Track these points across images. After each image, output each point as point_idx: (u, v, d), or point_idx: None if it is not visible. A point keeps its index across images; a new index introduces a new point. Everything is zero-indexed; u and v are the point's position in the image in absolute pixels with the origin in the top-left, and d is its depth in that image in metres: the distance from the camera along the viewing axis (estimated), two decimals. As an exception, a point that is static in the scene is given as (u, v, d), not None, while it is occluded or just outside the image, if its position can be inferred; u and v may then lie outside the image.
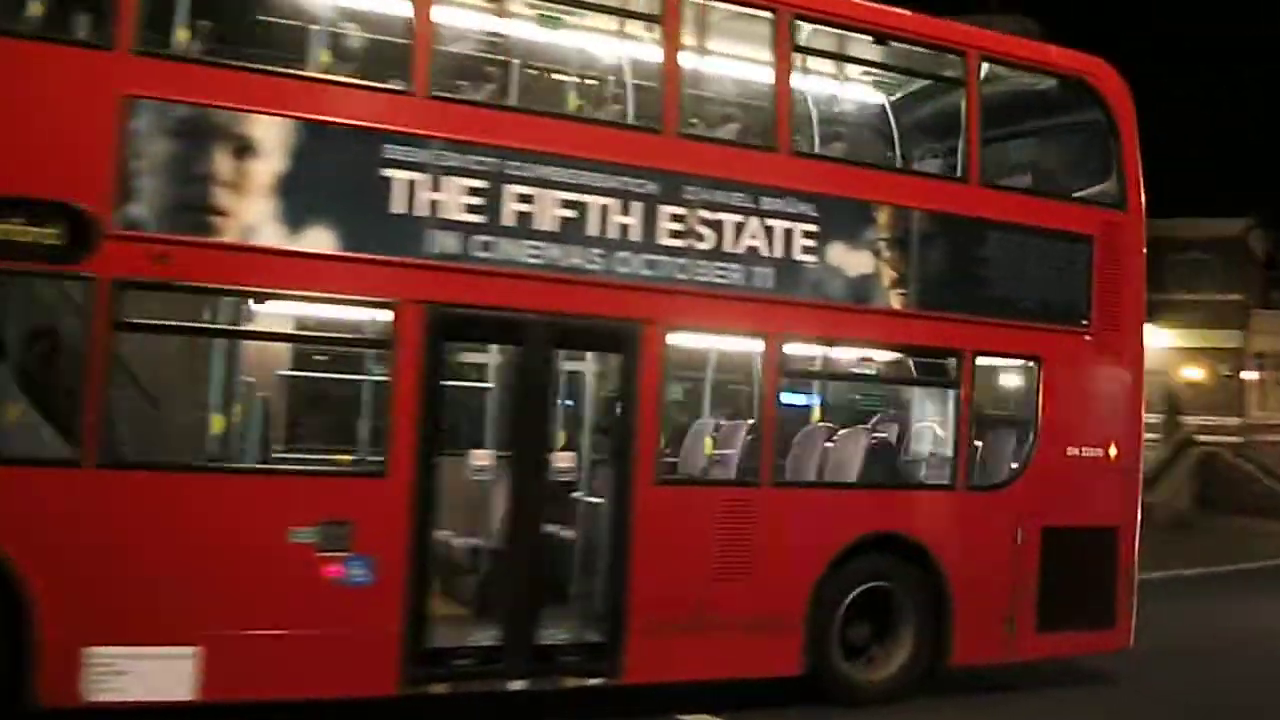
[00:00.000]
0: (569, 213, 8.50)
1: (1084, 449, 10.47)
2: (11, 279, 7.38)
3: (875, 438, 10.33)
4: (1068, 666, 11.03)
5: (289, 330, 8.76)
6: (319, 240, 7.84)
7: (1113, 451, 10.60)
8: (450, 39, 8.84)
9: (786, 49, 9.35)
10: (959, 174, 10.15)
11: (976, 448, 10.30)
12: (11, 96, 7.15)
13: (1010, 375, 11.30)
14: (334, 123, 7.96)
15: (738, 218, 9.04)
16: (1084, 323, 10.52)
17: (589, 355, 9.39)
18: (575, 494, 9.17)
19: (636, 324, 8.70)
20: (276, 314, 8.41)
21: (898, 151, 11.28)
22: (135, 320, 7.41)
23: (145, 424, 8.13)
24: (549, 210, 8.43)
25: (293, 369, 8.67)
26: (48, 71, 7.29)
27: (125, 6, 7.37)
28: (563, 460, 8.82)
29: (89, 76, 7.34)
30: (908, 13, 10.00)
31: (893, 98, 11.40)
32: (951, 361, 10.14)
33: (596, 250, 8.59)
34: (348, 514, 7.90)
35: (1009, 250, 10.22)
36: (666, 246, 8.81)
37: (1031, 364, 10.40)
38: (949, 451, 10.13)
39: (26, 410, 7.47)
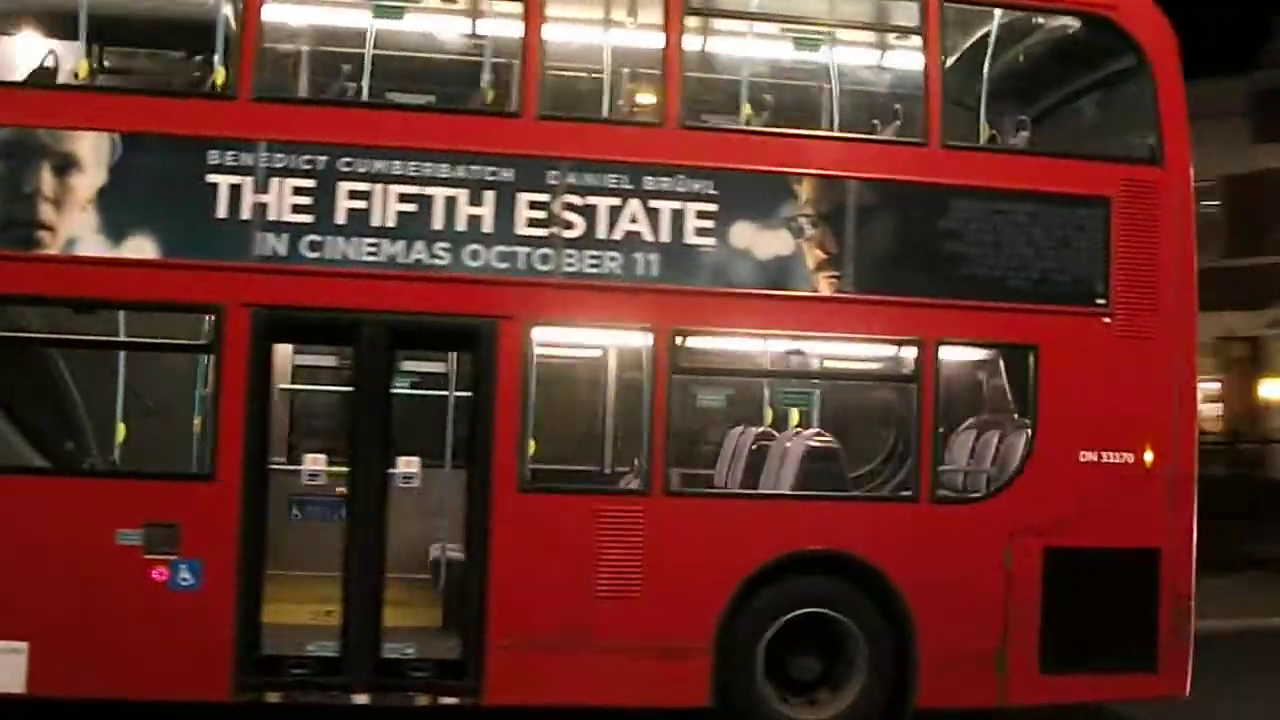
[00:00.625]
0: (409, 207, 8.14)
1: (1105, 453, 8.73)
2: None
3: (814, 442, 9.09)
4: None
5: (122, 338, 8.85)
6: (142, 248, 7.96)
7: (1148, 456, 8.77)
8: (277, 39, 8.68)
9: (678, 11, 8.52)
10: (916, 135, 8.81)
11: (947, 453, 8.88)
12: None
13: (1000, 366, 9.62)
14: (154, 134, 8.07)
15: (614, 201, 8.31)
16: (1100, 302, 8.79)
17: (450, 356, 8.93)
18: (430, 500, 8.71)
19: (492, 320, 8.19)
20: (106, 321, 8.57)
21: (835, 116, 9.80)
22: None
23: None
24: (387, 206, 8.12)
25: (125, 374, 8.80)
26: None
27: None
28: (406, 465, 8.40)
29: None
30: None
31: (833, 56, 9.83)
32: (909, 352, 8.78)
33: (442, 244, 8.16)
34: (174, 517, 7.92)
35: (986, 220, 8.70)
36: (526, 237, 8.24)
37: (1025, 352, 8.84)
38: (910, 457, 8.76)
39: None
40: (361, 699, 8.13)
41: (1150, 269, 8.85)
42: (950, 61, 9.22)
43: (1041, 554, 8.57)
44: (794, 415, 9.81)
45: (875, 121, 9.72)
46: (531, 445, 8.35)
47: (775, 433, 9.54)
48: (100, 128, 7.96)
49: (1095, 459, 8.71)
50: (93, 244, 7.92)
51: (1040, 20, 9.44)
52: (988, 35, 9.10)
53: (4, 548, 7.78)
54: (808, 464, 8.88)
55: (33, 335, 8.55)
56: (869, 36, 9.73)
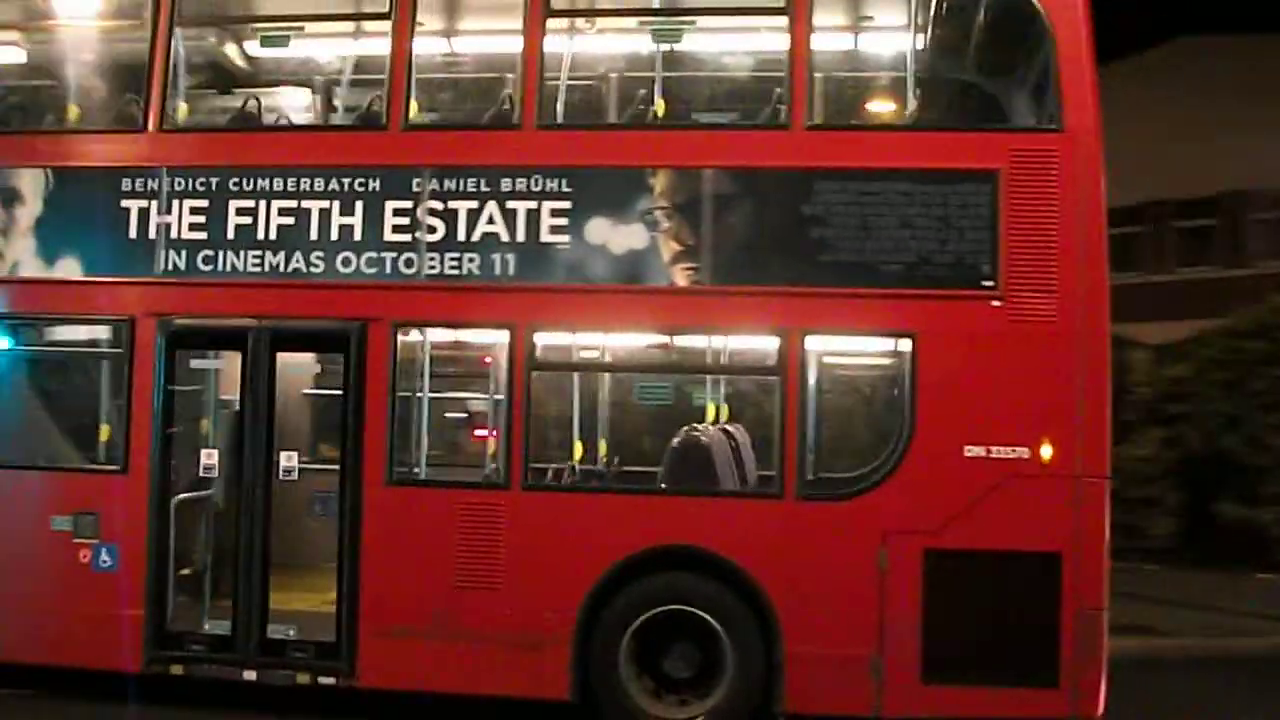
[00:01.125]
0: (287, 220, 8.77)
1: (994, 449, 8.00)
2: None
3: (677, 438, 8.84)
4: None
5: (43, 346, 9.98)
6: (68, 268, 9.04)
7: (1045, 452, 7.97)
8: (185, 70, 9.44)
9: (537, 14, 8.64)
10: (778, 119, 8.46)
11: (813, 448, 8.41)
12: None
13: (877, 356, 8.90)
14: (76, 167, 9.14)
15: (471, 204, 8.56)
16: (987, 284, 8.07)
17: (319, 356, 9.43)
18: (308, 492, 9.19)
19: (359, 323, 8.66)
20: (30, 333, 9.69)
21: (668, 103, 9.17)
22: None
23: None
24: (270, 220, 8.80)
25: (56, 381, 9.85)
26: None
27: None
28: (286, 460, 8.93)
29: None
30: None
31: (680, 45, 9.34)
32: (772, 343, 8.42)
33: (317, 254, 8.75)
34: (95, 506, 8.96)
35: (853, 203, 8.24)
36: (391, 243, 8.66)
37: (902, 340, 8.29)
38: (774, 452, 8.37)
39: None
40: (250, 675, 8.80)
41: (1048, 246, 8.05)
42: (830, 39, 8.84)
43: (921, 555, 8.01)
44: (711, 410, 9.55)
45: (744, 107, 9.35)
46: (402, 440, 8.77)
47: (700, 429, 9.33)
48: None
49: (984, 455, 8.01)
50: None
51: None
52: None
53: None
54: (672, 460, 8.76)
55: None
56: (737, 20, 9.34)
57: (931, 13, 9.13)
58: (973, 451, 8.02)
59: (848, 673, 8.09)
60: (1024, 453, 7.97)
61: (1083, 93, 8.15)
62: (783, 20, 8.41)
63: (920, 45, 9.20)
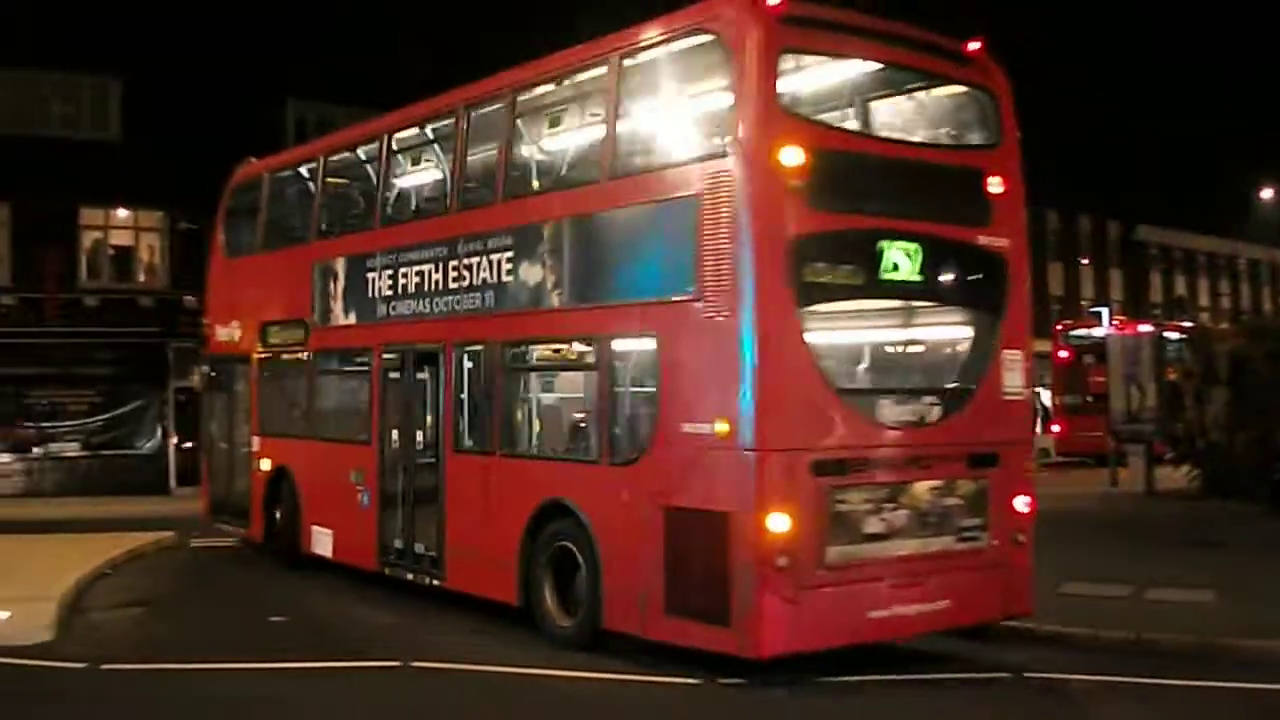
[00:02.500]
0: (416, 278, 13.86)
1: (699, 425, 10.10)
2: None
3: (573, 417, 12.27)
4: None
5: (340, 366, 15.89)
6: (348, 318, 14.96)
7: (719, 428, 9.86)
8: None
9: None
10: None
11: (617, 425, 11.24)
12: None
13: (649, 354, 10.95)
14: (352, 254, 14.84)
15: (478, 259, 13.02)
16: (690, 290, 10.22)
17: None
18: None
19: (439, 345, 13.38)
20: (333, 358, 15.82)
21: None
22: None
23: None
24: (409, 279, 13.83)
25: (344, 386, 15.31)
26: None
27: None
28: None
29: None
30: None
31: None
32: (590, 346, 11.69)
33: (424, 300, 13.79)
34: (362, 467, 14.52)
35: (604, 239, 11.58)
36: (449, 289, 13.32)
37: (651, 340, 10.78)
38: (596, 428, 11.53)
39: None
40: (409, 576, 13.53)
41: (729, 254, 9.90)
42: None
43: (663, 512, 10.47)
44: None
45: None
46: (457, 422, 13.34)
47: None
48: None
49: (693, 431, 10.20)
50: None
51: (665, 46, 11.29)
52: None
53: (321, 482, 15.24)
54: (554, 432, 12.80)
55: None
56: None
57: (631, 82, 11.65)
58: (687, 429, 10.26)
59: (630, 601, 10.79)
60: (711, 429, 10.01)
61: (755, 120, 9.99)
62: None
63: (629, 110, 11.68)
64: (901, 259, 10.78)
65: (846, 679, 10.02)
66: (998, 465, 11.23)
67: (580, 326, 11.73)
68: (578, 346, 12.31)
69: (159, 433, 32.31)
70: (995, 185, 11.57)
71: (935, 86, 12.23)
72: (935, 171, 11.47)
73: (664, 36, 11.12)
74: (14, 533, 18.80)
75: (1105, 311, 44.04)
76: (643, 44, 11.33)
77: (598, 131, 11.87)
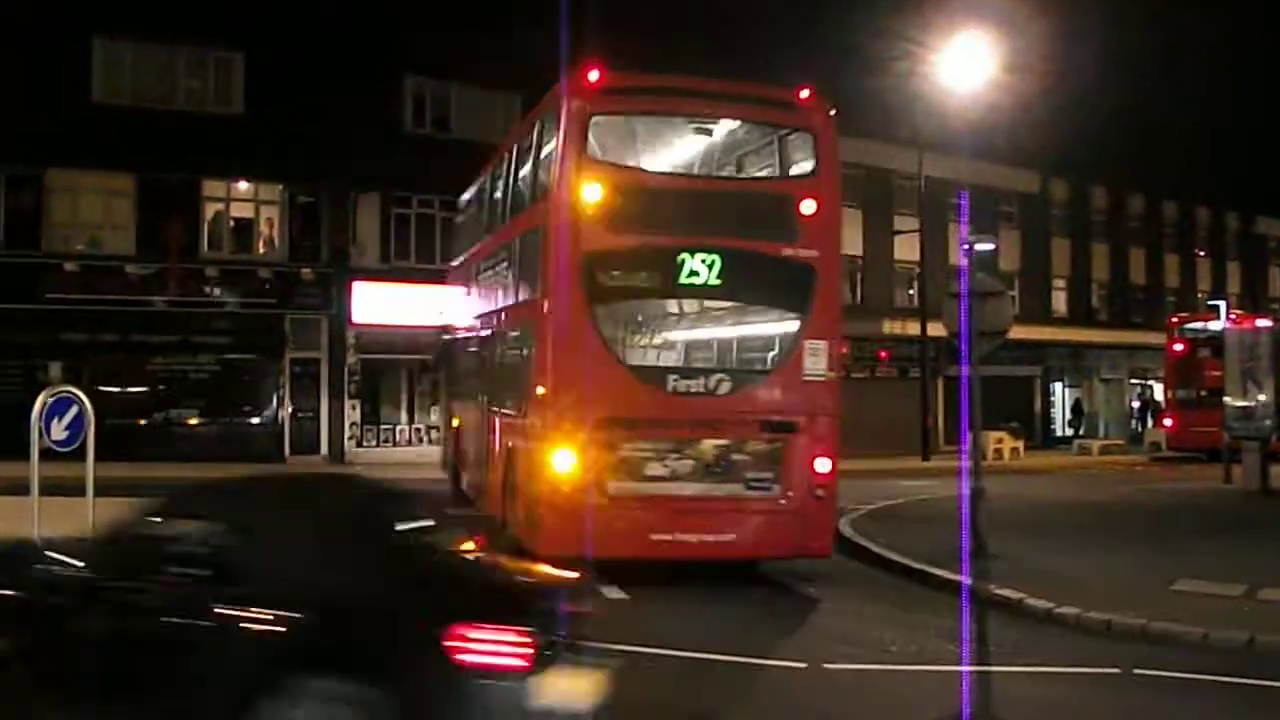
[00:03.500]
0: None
1: (537, 389, 14.33)
2: None
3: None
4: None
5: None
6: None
7: (539, 391, 14.34)
8: None
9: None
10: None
11: (520, 392, 15.81)
12: None
13: None
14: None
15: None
16: (538, 294, 14.96)
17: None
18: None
19: None
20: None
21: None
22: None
23: None
24: None
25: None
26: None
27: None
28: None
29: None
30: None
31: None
32: (516, 333, 16.78)
33: None
34: None
35: (520, 258, 16.30)
36: None
37: (530, 328, 15.66)
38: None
39: None
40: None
41: (551, 267, 14.10)
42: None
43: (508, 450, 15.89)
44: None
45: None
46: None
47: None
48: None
49: (538, 393, 14.27)
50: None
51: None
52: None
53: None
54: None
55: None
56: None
57: (519, 151, 16.94)
58: (538, 391, 14.18)
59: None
60: (539, 391, 14.11)
61: (562, 168, 13.91)
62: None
63: (518, 170, 17.03)
64: (700, 268, 13.90)
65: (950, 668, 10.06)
66: (795, 432, 14.00)
67: (514, 318, 16.47)
68: (512, 333, 16.71)
69: (275, 402, 33.05)
70: (807, 207, 14.19)
71: (754, 129, 15.58)
72: (736, 197, 15.22)
73: (533, 116, 16.68)
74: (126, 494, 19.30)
75: (1222, 305, 43.14)
76: (525, 124, 17.02)
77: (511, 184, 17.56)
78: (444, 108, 36.47)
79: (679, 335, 17.02)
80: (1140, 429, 53.49)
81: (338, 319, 33.53)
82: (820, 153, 14.50)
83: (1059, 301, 53.40)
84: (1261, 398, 25.04)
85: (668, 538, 13.61)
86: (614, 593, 12.94)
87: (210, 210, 33.08)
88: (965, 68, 33.97)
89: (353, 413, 33.96)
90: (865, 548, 16.06)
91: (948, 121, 36.45)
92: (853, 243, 41.26)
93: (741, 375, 14.82)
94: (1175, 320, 46.28)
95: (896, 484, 28.20)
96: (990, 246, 21.43)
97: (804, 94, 14.52)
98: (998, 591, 12.56)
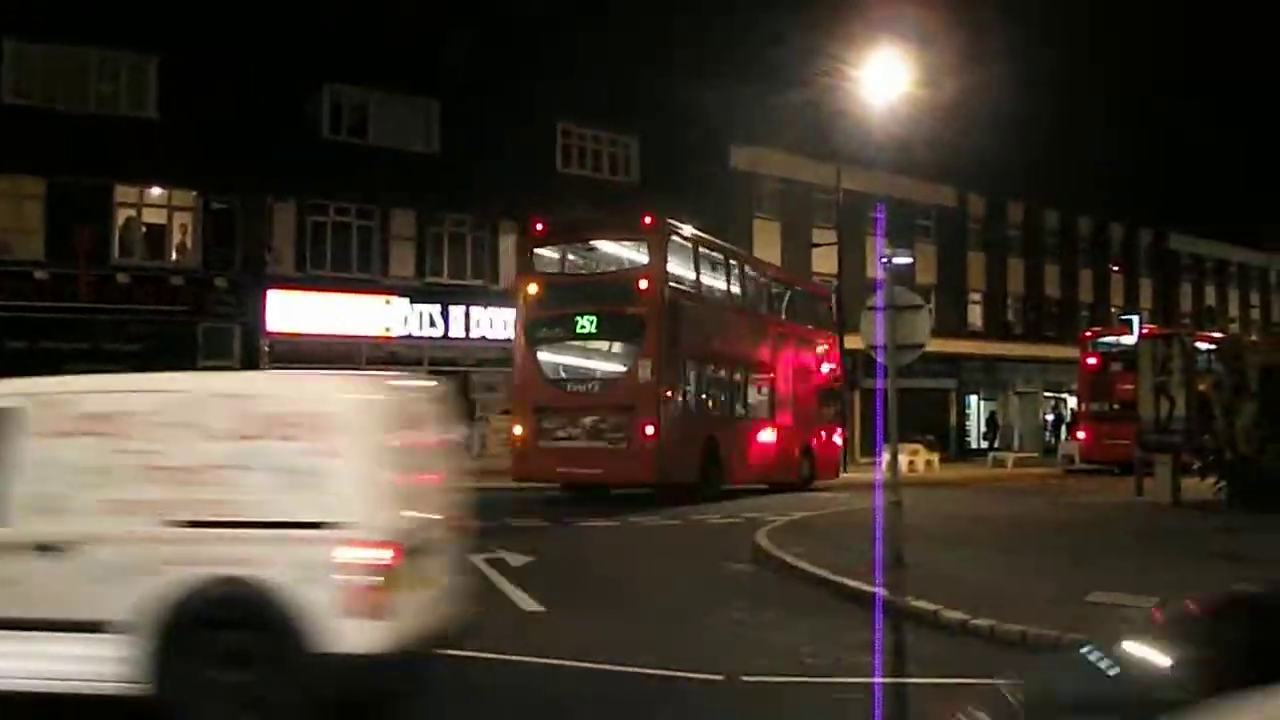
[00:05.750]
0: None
1: None
2: None
3: None
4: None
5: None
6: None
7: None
8: None
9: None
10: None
11: None
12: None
13: None
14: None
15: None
16: None
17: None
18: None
19: None
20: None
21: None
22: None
23: None
24: None
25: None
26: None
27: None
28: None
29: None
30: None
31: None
32: None
33: None
34: None
35: None
36: None
37: None
38: None
39: None
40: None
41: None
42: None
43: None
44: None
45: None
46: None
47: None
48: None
49: None
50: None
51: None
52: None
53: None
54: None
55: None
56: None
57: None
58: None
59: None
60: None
61: (517, 275, 25.89)
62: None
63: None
64: (585, 323, 25.82)
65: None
66: (634, 410, 24.71)
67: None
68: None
69: (187, 412, 32.48)
70: (643, 284, 25.35)
71: (620, 241, 27.78)
72: (605, 282, 26.96)
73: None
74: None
75: (1135, 319, 43.85)
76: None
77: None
78: (362, 115, 36.24)
79: (573, 359, 27.15)
80: (1054, 442, 54.23)
81: (252, 328, 33.21)
82: (652, 253, 25.91)
83: (975, 315, 54.13)
84: (1174, 412, 25.39)
85: (566, 470, 25.64)
86: (529, 604, 12.90)
87: (122, 216, 32.69)
88: (884, 83, 34.27)
89: (268, 423, 33.48)
90: (782, 559, 16.04)
91: (867, 136, 36.75)
92: (771, 256, 41.54)
93: (606, 379, 26.50)
94: (1089, 334, 46.93)
95: (814, 495, 28.33)
96: (908, 260, 21.69)
97: (647, 220, 26.05)
98: (914, 603, 12.56)
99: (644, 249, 26.03)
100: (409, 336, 36.16)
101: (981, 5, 41.18)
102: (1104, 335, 46.11)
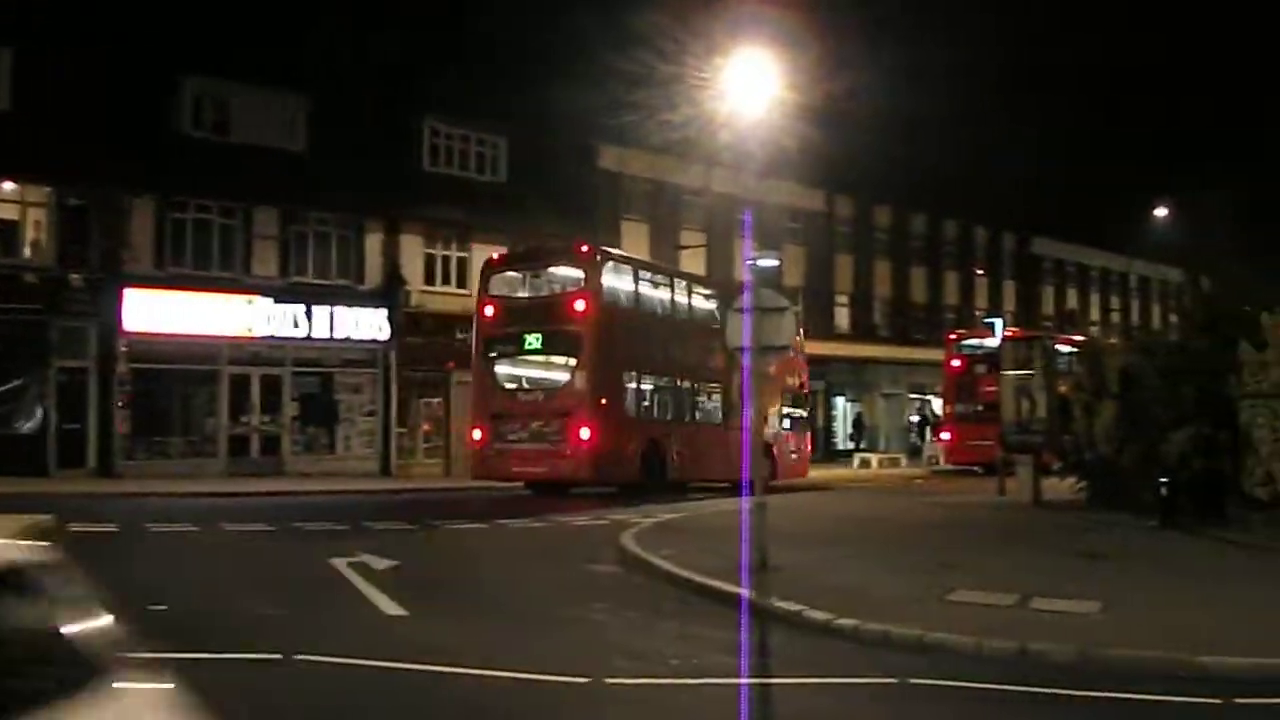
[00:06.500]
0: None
1: None
2: None
3: None
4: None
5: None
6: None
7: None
8: None
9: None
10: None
11: None
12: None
13: None
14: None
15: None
16: None
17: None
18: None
19: None
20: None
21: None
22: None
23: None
24: None
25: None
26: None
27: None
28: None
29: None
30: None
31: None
32: None
33: None
34: None
35: None
36: None
37: None
38: None
39: None
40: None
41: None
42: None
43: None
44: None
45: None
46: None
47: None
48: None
49: None
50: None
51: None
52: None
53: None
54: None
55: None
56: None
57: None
58: None
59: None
60: None
61: (478, 298, 27.74)
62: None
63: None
64: (531, 339, 29.13)
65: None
66: (571, 415, 28.03)
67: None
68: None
69: (40, 413, 31.49)
70: (579, 305, 28.53)
71: (562, 268, 30.49)
72: (546, 303, 29.80)
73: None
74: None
75: (999, 322, 44.69)
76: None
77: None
78: (225, 110, 35.43)
79: (523, 371, 30.62)
80: (920, 443, 55.05)
81: (109, 327, 32.29)
82: (588, 277, 28.99)
83: (842, 317, 54.74)
84: (1035, 413, 25.85)
85: (519, 469, 29.09)
86: (391, 608, 12.66)
87: (-29, 211, 31.51)
88: (754, 86, 34.44)
89: (123, 425, 32.60)
90: (648, 561, 15.95)
91: (736, 138, 36.92)
92: (639, 256, 41.61)
93: (550, 389, 29.69)
94: (953, 336, 47.71)
95: (684, 499, 28.38)
96: (774, 262, 21.78)
97: (584, 249, 29.77)
98: (778, 604, 12.55)
99: (578, 274, 29.40)
100: (272, 337, 35.43)
101: (851, 11, 41.60)
102: (968, 338, 46.93)
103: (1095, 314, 70.44)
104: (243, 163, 34.47)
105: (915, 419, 58.09)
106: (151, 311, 32.88)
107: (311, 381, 37.18)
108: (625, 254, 33.56)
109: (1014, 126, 53.12)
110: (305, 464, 36.07)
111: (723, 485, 30.59)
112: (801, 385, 38.43)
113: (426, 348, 38.26)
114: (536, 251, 32.88)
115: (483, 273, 31.21)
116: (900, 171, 47.96)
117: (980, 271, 62.07)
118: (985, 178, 52.28)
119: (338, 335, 36.79)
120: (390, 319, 37.56)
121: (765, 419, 34.00)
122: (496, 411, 29.19)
